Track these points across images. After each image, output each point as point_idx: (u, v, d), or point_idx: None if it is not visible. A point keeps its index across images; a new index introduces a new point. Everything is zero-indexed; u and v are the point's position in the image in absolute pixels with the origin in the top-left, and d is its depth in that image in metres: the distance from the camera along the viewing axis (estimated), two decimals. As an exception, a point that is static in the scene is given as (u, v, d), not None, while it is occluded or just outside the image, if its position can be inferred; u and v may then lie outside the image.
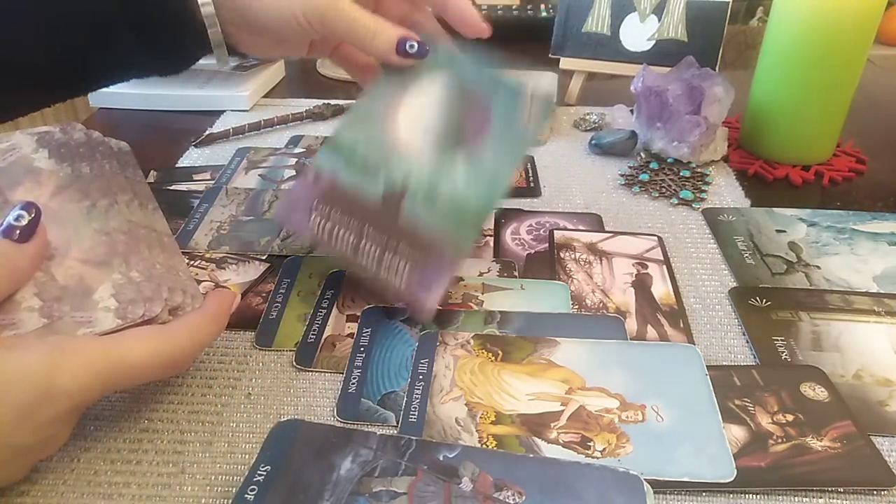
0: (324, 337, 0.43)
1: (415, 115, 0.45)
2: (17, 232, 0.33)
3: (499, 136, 0.45)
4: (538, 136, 0.45)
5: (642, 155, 0.64)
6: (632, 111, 0.68)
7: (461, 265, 0.41)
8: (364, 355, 0.41)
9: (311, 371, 0.41)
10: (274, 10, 0.42)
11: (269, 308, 0.45)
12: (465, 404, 0.38)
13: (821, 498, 0.33)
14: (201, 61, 0.48)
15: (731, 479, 0.33)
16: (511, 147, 0.45)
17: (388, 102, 0.45)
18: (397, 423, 0.37)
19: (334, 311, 0.45)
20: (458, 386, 0.39)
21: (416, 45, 0.42)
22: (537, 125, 0.47)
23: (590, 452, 0.35)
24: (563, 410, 0.37)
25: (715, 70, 0.68)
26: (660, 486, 0.33)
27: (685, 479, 0.33)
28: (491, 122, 0.45)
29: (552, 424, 0.36)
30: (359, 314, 0.44)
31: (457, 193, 0.43)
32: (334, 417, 0.37)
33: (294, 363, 0.41)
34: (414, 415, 0.37)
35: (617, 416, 0.37)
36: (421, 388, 0.39)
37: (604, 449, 0.35)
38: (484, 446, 0.35)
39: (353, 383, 0.39)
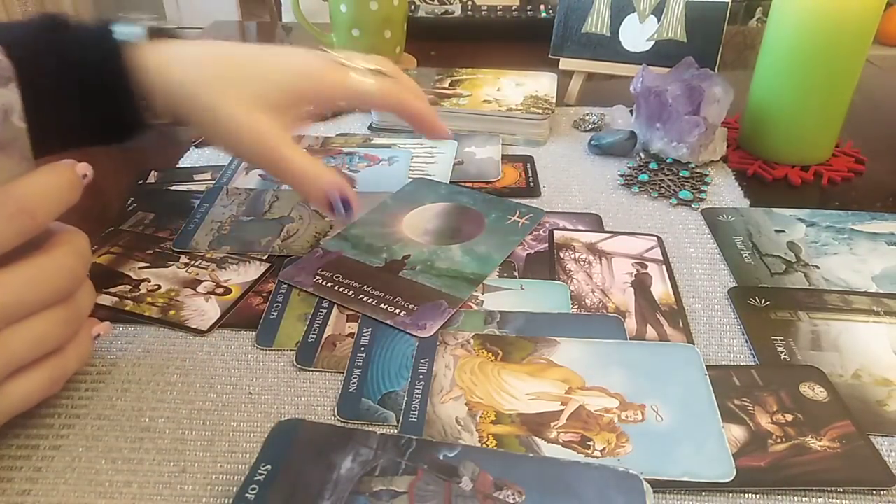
0: (324, 337, 0.43)
1: (417, 221, 0.54)
2: None
3: (490, 235, 0.52)
4: (526, 236, 0.53)
5: (641, 155, 0.64)
6: (631, 112, 0.68)
7: (457, 311, 0.45)
8: (364, 355, 0.41)
9: (312, 371, 0.41)
10: (222, 143, 0.47)
11: (269, 308, 0.45)
12: (466, 404, 0.38)
13: (820, 498, 0.34)
14: None
15: (731, 478, 0.33)
16: (503, 240, 0.52)
17: (394, 214, 0.54)
18: (398, 422, 0.37)
19: (335, 310, 0.45)
20: (458, 385, 0.39)
21: (340, 202, 0.45)
22: (527, 229, 0.53)
23: (589, 452, 0.35)
24: (562, 410, 0.37)
25: (714, 70, 0.68)
26: (659, 486, 0.33)
27: (685, 479, 0.34)
28: (484, 227, 0.53)
29: (552, 424, 0.36)
30: (359, 314, 0.44)
31: (453, 263, 0.49)
32: (335, 417, 0.38)
33: (295, 363, 0.41)
34: (414, 414, 0.37)
35: (616, 415, 0.37)
36: (421, 387, 0.39)
37: (603, 448, 0.35)
38: (484, 446, 0.35)
39: (353, 383, 0.39)
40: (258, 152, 0.45)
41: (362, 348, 0.42)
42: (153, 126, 0.45)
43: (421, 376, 0.39)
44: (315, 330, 0.43)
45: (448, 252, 0.50)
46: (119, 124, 0.45)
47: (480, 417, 0.37)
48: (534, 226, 0.54)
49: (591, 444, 0.35)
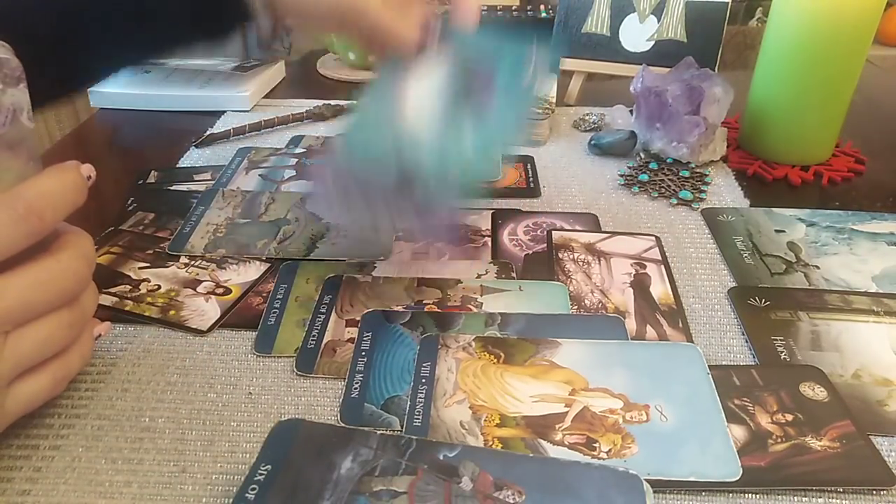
0: (324, 342, 0.43)
1: (421, 102, 0.46)
2: None
3: (504, 95, 0.46)
4: (539, 89, 0.51)
5: (641, 155, 0.64)
6: (631, 112, 0.68)
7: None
8: (365, 360, 0.41)
9: (313, 377, 0.41)
10: (313, 6, 0.46)
11: (267, 314, 0.45)
12: (470, 407, 0.38)
13: (820, 497, 0.34)
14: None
15: (737, 477, 0.33)
16: (516, 102, 0.47)
17: (393, 96, 0.47)
18: (402, 427, 0.37)
19: (333, 315, 0.45)
20: (461, 389, 0.39)
21: (433, 30, 0.46)
22: (540, 78, 0.49)
23: (596, 454, 0.35)
24: (567, 412, 0.37)
25: (714, 70, 0.68)
26: (664, 486, 0.33)
27: (692, 479, 0.34)
28: (495, 85, 0.46)
29: (557, 426, 0.36)
30: (358, 319, 0.44)
31: (465, 163, 0.44)
32: (337, 422, 0.37)
33: (295, 369, 0.41)
34: (418, 419, 0.37)
35: (621, 416, 0.37)
36: (424, 391, 0.39)
37: (609, 450, 0.35)
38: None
39: (355, 388, 0.39)
40: (347, 12, 0.44)
41: (363, 353, 0.42)
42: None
43: (423, 380, 0.39)
44: (314, 336, 0.43)
45: (458, 144, 0.44)
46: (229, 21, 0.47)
47: (485, 421, 0.37)
48: (548, 72, 0.51)
49: (596, 445, 0.35)
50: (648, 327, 0.44)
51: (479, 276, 0.48)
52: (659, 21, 0.73)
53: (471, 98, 0.46)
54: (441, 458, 0.34)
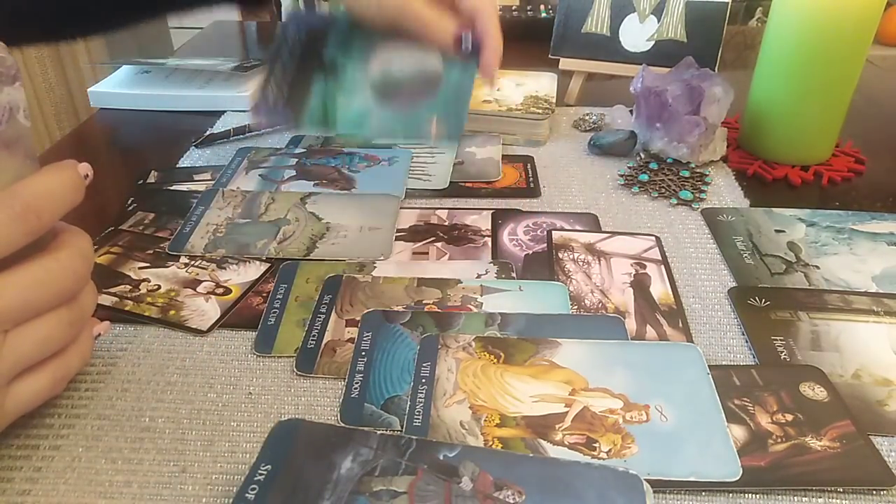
0: (324, 342, 0.43)
1: (382, 65, 0.55)
2: None
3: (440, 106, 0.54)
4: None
5: (641, 155, 0.64)
6: (631, 111, 0.68)
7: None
8: (365, 360, 0.41)
9: (313, 377, 0.41)
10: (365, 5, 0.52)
11: (266, 314, 0.45)
12: (469, 407, 0.38)
13: (820, 498, 0.34)
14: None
15: (737, 477, 0.33)
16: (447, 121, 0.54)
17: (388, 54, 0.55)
18: (402, 427, 0.37)
19: (333, 315, 0.45)
20: (461, 389, 0.39)
21: (469, 39, 0.52)
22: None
23: (595, 454, 0.35)
24: (567, 412, 0.37)
25: (714, 70, 0.69)
26: (664, 486, 0.33)
27: (692, 479, 0.34)
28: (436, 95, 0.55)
29: (557, 426, 0.36)
30: (358, 319, 0.44)
31: (344, 110, 0.54)
32: (337, 422, 0.37)
33: (295, 369, 0.41)
34: (418, 419, 0.37)
35: (621, 416, 0.37)
36: (424, 391, 0.39)
37: (609, 450, 0.35)
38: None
39: (355, 388, 0.39)
40: (395, 11, 0.50)
41: (363, 353, 0.41)
42: None
43: (423, 380, 0.39)
44: (314, 336, 0.43)
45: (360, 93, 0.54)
46: None
47: (485, 421, 0.37)
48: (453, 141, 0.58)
49: (596, 445, 0.35)
50: (648, 327, 0.44)
51: (479, 276, 0.48)
52: (659, 21, 0.73)
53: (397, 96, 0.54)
54: (441, 458, 0.34)
